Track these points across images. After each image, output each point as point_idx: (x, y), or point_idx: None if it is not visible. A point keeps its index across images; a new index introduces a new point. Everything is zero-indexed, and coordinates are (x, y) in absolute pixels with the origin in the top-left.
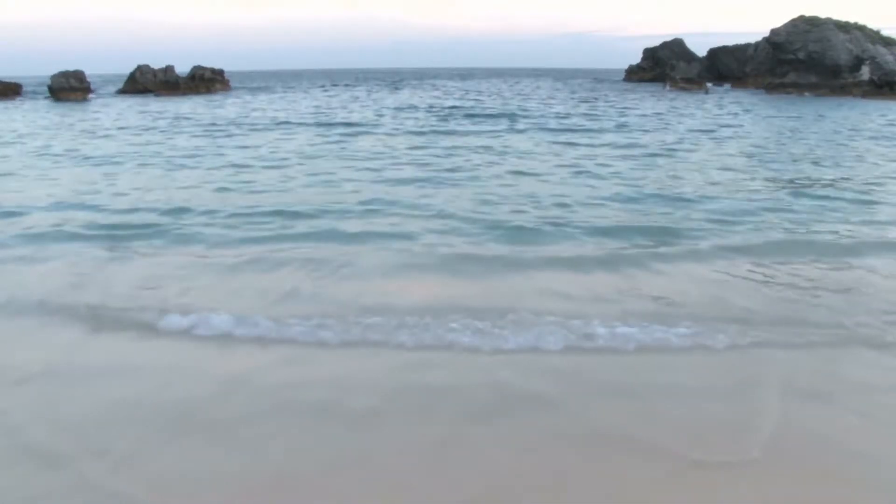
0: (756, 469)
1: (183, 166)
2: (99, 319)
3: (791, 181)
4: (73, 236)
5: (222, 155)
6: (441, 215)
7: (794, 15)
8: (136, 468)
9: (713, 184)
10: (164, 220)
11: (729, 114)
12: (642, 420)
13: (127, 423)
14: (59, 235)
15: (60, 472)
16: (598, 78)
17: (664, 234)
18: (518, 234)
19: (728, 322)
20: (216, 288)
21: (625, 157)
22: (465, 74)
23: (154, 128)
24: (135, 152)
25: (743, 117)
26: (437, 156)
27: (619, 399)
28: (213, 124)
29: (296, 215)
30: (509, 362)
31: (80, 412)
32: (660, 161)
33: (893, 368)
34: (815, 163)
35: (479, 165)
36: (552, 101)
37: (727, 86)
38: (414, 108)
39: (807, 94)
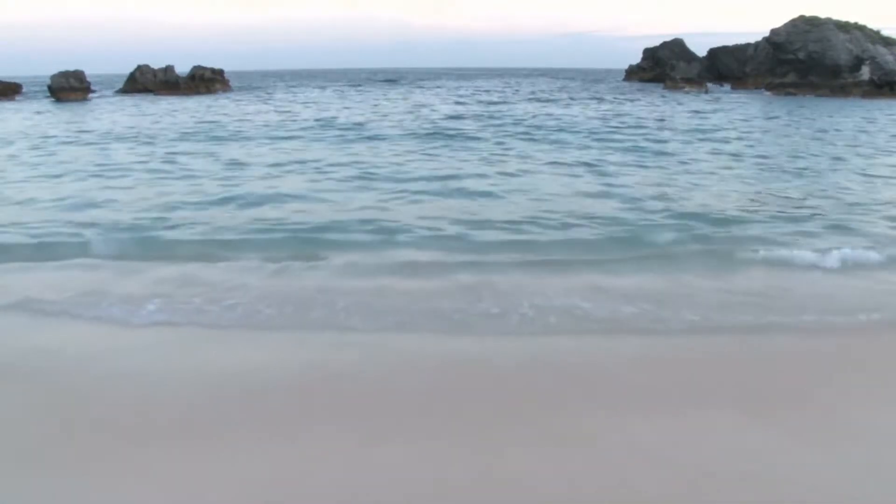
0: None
1: (180, 175)
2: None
3: (780, 189)
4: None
5: (217, 158)
6: (425, 227)
7: (794, 15)
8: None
9: (701, 190)
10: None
11: (729, 114)
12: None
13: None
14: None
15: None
16: (598, 78)
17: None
18: (503, 244)
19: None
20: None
21: (623, 164)
22: (465, 74)
23: (151, 131)
24: (135, 161)
25: (744, 119)
26: (438, 162)
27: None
28: (211, 128)
29: (284, 225)
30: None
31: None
32: (656, 166)
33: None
34: (810, 170)
35: (478, 173)
36: (555, 102)
37: (727, 86)
38: (417, 109)
39: (808, 94)
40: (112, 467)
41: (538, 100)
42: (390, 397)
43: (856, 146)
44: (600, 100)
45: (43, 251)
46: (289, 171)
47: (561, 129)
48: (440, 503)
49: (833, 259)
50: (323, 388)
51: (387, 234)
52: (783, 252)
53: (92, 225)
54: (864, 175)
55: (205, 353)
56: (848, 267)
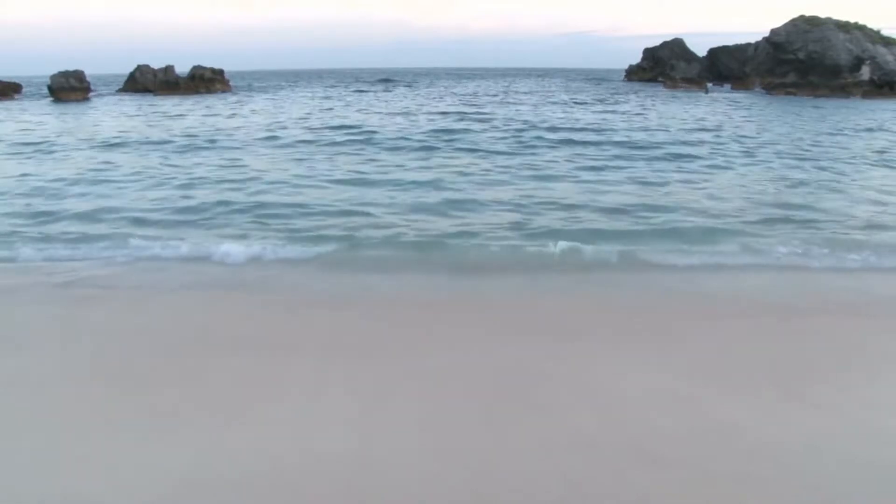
0: None
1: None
2: None
3: (761, 193)
4: None
5: (216, 164)
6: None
7: (794, 15)
8: None
9: (688, 195)
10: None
11: (729, 115)
12: None
13: None
14: None
15: None
16: (598, 78)
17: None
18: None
19: None
20: None
21: (618, 168)
22: (466, 74)
23: (150, 135)
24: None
25: (745, 120)
26: (436, 166)
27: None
28: (210, 133)
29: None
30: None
31: None
32: (650, 170)
33: None
34: (799, 172)
35: (480, 181)
36: (559, 105)
37: (727, 86)
38: (420, 111)
39: (808, 95)
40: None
41: (541, 102)
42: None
43: (848, 148)
44: (602, 101)
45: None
46: (289, 179)
47: (560, 131)
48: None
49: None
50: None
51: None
52: (732, 254)
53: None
54: (853, 180)
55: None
56: (772, 266)
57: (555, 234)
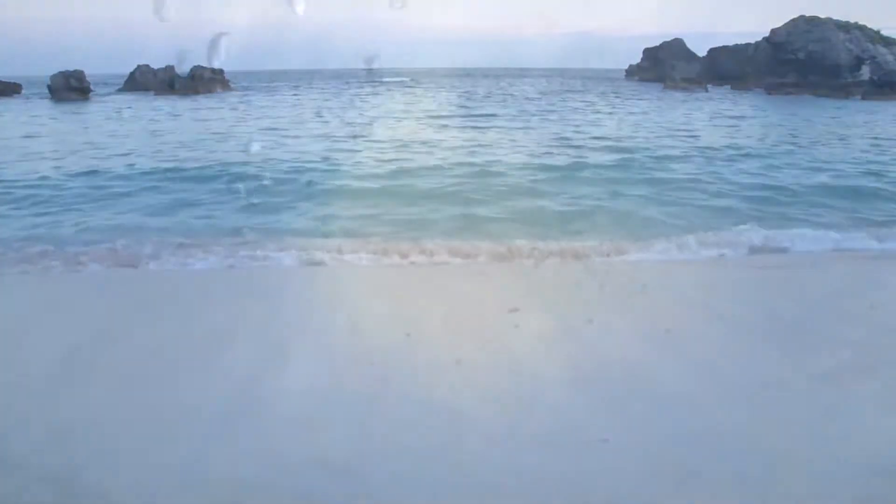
0: None
1: None
2: None
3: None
4: None
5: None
6: None
7: (794, 15)
8: None
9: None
10: None
11: (733, 116)
12: None
13: None
14: None
15: None
16: (599, 77)
17: None
18: None
19: None
20: None
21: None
22: (467, 74)
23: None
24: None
25: (747, 122)
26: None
27: None
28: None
29: None
30: None
31: None
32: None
33: None
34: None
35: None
36: (574, 111)
37: (727, 86)
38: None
39: (808, 95)
40: None
41: (555, 105)
42: None
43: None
44: (611, 102)
45: None
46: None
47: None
48: None
49: None
50: None
51: None
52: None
53: None
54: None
55: None
56: None
57: None
